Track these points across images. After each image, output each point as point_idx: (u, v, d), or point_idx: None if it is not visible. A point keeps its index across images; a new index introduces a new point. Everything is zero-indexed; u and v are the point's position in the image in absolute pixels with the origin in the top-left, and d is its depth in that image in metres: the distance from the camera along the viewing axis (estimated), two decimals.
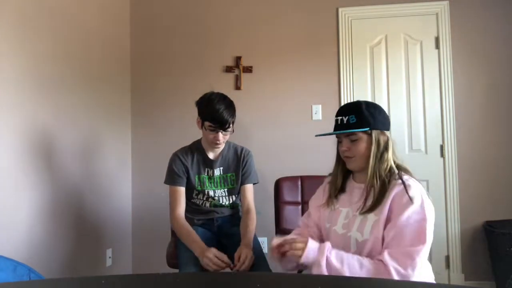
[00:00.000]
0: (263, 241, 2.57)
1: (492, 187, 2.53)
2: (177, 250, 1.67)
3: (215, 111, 1.56)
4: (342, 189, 1.26)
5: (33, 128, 1.88)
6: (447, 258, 2.55)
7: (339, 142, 1.24)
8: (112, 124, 2.60)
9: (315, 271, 1.07)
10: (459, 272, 2.53)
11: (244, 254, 1.46)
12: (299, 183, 2.18)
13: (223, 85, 2.75)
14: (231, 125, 1.62)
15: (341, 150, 1.22)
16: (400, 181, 1.10)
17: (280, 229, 2.04)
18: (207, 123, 1.60)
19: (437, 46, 2.63)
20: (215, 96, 1.61)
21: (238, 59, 2.76)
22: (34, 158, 1.88)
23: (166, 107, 2.82)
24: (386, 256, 1.01)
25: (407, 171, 1.16)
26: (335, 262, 1.05)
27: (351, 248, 1.14)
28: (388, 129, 1.20)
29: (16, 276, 1.30)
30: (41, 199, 1.92)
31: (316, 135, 1.31)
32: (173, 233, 1.96)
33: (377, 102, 2.58)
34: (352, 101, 1.19)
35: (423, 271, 1.04)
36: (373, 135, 1.16)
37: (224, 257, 1.47)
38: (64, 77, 2.11)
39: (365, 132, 1.16)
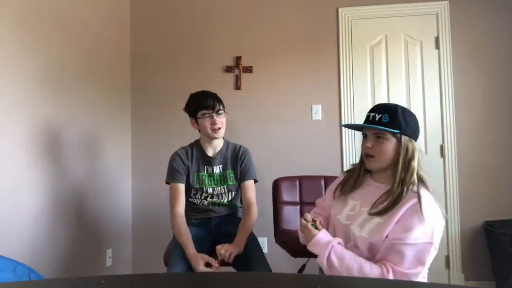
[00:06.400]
0: (263, 241, 2.57)
1: (492, 187, 2.53)
2: (172, 249, 1.68)
3: (203, 99, 1.70)
4: (357, 186, 1.26)
5: (33, 127, 1.88)
6: (447, 258, 2.55)
7: (364, 138, 1.22)
8: (112, 124, 2.60)
9: (318, 261, 1.13)
10: (459, 272, 2.53)
11: (224, 249, 1.50)
12: (298, 183, 2.18)
13: (223, 85, 2.76)
14: (222, 108, 1.73)
15: (365, 147, 1.19)
16: (417, 194, 1.08)
17: (279, 230, 2.04)
18: (200, 113, 1.70)
19: (437, 46, 2.63)
20: (197, 92, 1.78)
21: (238, 59, 2.76)
22: (34, 157, 1.88)
23: (166, 107, 2.82)
24: (390, 274, 1.04)
25: (425, 185, 1.13)
26: (335, 261, 1.09)
27: (351, 240, 1.16)
28: (416, 139, 1.17)
29: (16, 276, 1.30)
30: (41, 199, 1.92)
31: (343, 125, 1.33)
32: None
33: (376, 102, 2.63)
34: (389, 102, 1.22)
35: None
36: (403, 140, 1.13)
37: (213, 262, 1.51)
38: (64, 77, 2.11)
39: (394, 134, 1.13)
